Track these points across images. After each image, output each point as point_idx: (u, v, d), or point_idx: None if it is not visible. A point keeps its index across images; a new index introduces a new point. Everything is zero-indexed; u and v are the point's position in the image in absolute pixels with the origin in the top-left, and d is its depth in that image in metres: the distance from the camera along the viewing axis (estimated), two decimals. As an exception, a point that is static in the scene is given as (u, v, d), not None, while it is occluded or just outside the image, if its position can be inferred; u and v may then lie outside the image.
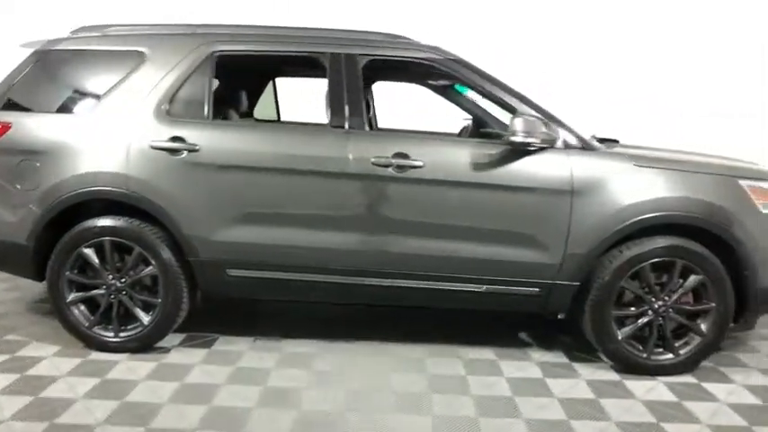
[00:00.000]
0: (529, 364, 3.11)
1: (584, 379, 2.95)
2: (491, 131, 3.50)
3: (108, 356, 3.02)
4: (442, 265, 2.92)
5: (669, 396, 2.79)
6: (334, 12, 5.52)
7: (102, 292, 3.02)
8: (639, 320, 2.96)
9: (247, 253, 2.94)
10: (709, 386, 2.90)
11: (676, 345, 2.98)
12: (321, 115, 3.46)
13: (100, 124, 2.96)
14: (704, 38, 5.14)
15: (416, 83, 4.05)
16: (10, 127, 3.00)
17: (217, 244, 2.94)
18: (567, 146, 2.92)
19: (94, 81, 3.10)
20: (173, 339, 3.24)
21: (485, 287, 2.95)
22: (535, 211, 2.88)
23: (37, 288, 3.98)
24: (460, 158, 2.89)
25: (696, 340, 2.98)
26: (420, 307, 3.64)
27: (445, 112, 4.01)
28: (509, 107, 2.98)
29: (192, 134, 2.90)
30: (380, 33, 3.13)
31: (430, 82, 3.96)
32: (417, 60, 3.02)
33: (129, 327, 3.06)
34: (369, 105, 4.09)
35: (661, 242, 2.88)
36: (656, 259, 2.89)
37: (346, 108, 2.93)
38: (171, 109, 2.96)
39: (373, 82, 4.36)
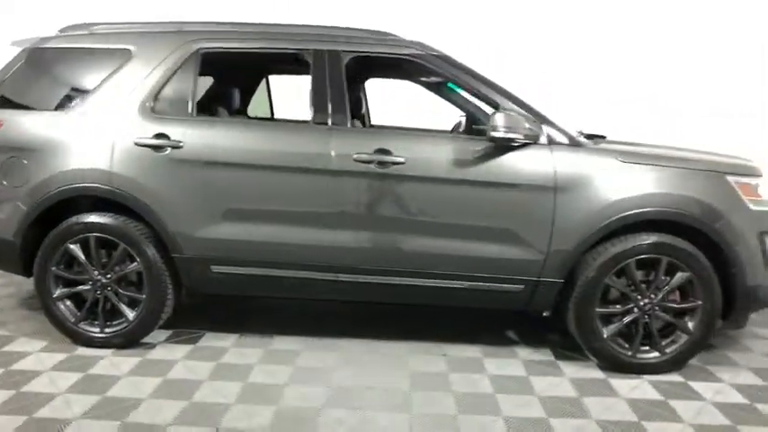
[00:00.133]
0: (514, 361, 3.09)
1: (568, 377, 2.92)
2: (484, 128, 3.48)
3: (93, 352, 3.04)
4: (425, 262, 2.91)
5: (654, 395, 2.76)
6: (334, 11, 5.51)
7: (87, 287, 3.04)
8: (625, 318, 2.93)
9: (231, 249, 2.95)
10: (695, 385, 2.86)
11: (663, 343, 2.94)
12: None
13: (86, 121, 2.99)
14: (704, 38, 5.08)
15: (408, 80, 4.03)
16: (1, 124, 3.04)
17: (200, 240, 2.95)
18: (550, 142, 2.89)
19: (82, 79, 3.13)
20: (159, 336, 3.26)
21: (467, 284, 2.93)
22: (518, 208, 2.86)
23: (31, 284, 3.99)
24: (443, 154, 2.88)
25: (683, 338, 2.94)
26: (405, 304, 3.62)
27: (445, 110, 4.01)
28: (493, 103, 2.96)
29: (176, 131, 2.92)
30: (364, 30, 3.12)
31: (421, 79, 3.94)
32: (400, 56, 3.01)
33: (114, 322, 3.08)
34: (361, 102, 4.11)
35: (646, 239, 2.85)
36: (642, 256, 2.85)
37: (329, 105, 2.93)
38: (156, 106, 2.98)
39: (366, 79, 4.37)
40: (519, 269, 2.90)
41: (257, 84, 4.29)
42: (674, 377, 2.94)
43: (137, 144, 2.91)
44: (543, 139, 2.88)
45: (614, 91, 5.29)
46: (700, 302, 2.89)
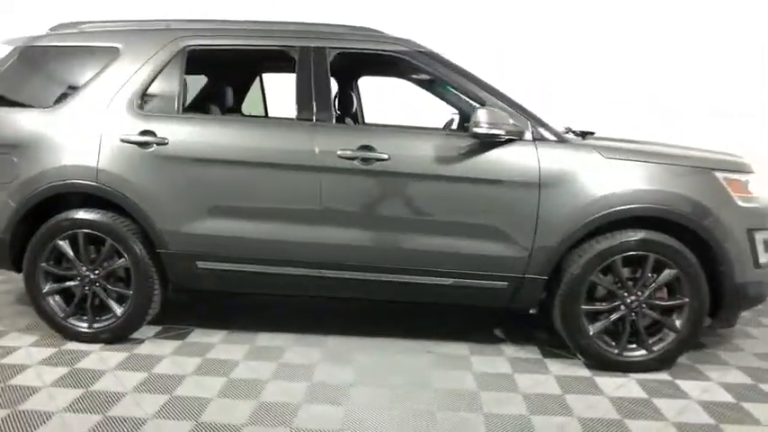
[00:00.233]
0: (500, 359, 3.07)
1: (553, 375, 2.91)
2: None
3: (82, 347, 3.08)
4: (409, 258, 2.91)
5: (639, 393, 2.73)
6: (334, 11, 5.53)
7: (76, 283, 3.07)
8: (612, 316, 2.90)
9: (215, 246, 2.97)
10: (682, 383, 2.83)
11: (650, 341, 2.91)
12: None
13: (75, 118, 3.02)
14: (704, 38, 5.02)
15: (401, 78, 4.03)
16: None
17: (186, 236, 2.97)
18: (535, 138, 2.87)
19: (71, 76, 3.16)
20: (148, 331, 3.29)
21: (452, 280, 2.92)
22: (502, 204, 2.84)
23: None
24: (427, 151, 2.87)
25: (670, 336, 2.91)
26: (391, 301, 3.62)
27: (442, 108, 4.00)
28: (479, 99, 2.95)
29: (162, 128, 2.94)
30: (350, 26, 3.13)
31: (413, 76, 3.94)
32: (386, 53, 3.01)
33: (102, 318, 3.11)
34: (351, 100, 4.11)
35: (633, 236, 2.82)
36: (628, 253, 2.83)
37: (314, 101, 2.94)
38: (142, 103, 3.01)
39: (358, 77, 4.38)
40: (503, 266, 2.88)
41: (250, 82, 4.31)
42: (662, 375, 2.91)
43: (123, 141, 2.94)
44: (528, 136, 2.87)
45: (615, 91, 5.26)
46: (687, 300, 2.86)
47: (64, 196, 3.08)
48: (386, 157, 2.85)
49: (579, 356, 3.01)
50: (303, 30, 3.06)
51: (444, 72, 3.00)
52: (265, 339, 3.25)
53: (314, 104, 2.93)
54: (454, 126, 3.90)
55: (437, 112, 4.13)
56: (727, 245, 2.82)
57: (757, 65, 5.00)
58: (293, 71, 3.02)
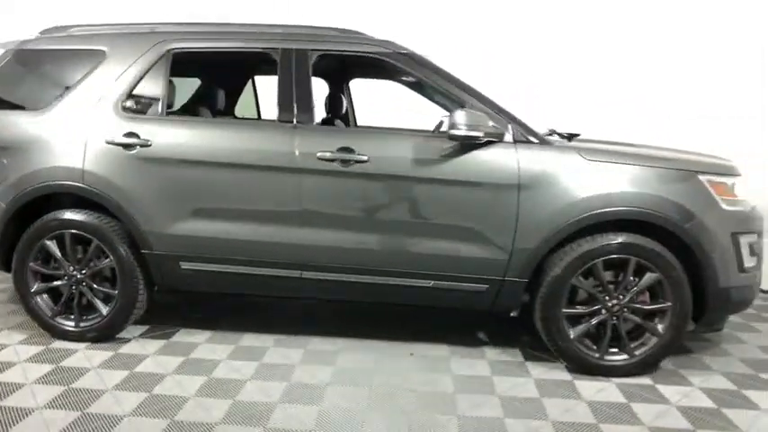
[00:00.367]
0: (481, 362, 3.07)
1: (533, 378, 2.89)
2: None
3: (69, 345, 3.13)
4: (388, 260, 2.92)
5: (618, 397, 2.71)
6: (334, 11, 5.55)
7: (63, 282, 3.13)
8: (593, 320, 2.88)
9: (198, 246, 3.00)
10: (663, 388, 2.80)
11: (632, 345, 2.89)
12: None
13: (62, 120, 3.07)
14: (703, 40, 4.93)
15: (390, 80, 4.03)
16: None
17: (169, 237, 3.00)
18: (516, 140, 2.87)
19: (60, 79, 3.21)
20: (135, 331, 3.34)
21: (432, 282, 2.92)
22: (480, 206, 2.84)
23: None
24: (406, 152, 2.88)
25: (652, 341, 2.88)
26: (371, 303, 3.62)
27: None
28: (459, 101, 2.95)
29: (146, 130, 2.98)
30: (332, 28, 3.14)
31: (402, 79, 3.94)
32: (367, 55, 3.02)
33: (89, 317, 3.16)
34: (341, 102, 4.13)
35: (614, 239, 2.80)
36: (609, 256, 2.81)
37: (295, 103, 2.96)
38: (127, 105, 3.05)
39: (348, 80, 4.40)
40: (482, 268, 2.88)
41: (240, 84, 4.34)
42: (643, 380, 2.88)
43: (108, 143, 2.99)
44: (508, 138, 2.86)
45: (604, 93, 5.17)
46: (669, 304, 2.83)
47: (55, 197, 3.14)
48: (365, 158, 2.86)
49: (560, 360, 2.99)
50: (285, 32, 3.09)
51: (425, 74, 3.01)
52: (250, 340, 3.28)
53: (295, 106, 2.95)
54: (444, 128, 3.89)
55: (432, 114, 4.15)
56: (710, 249, 2.78)
57: (746, 67, 4.89)
58: (276, 73, 3.04)
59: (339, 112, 4.08)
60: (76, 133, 3.03)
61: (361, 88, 4.68)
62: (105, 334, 3.16)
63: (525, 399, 2.67)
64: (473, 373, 2.93)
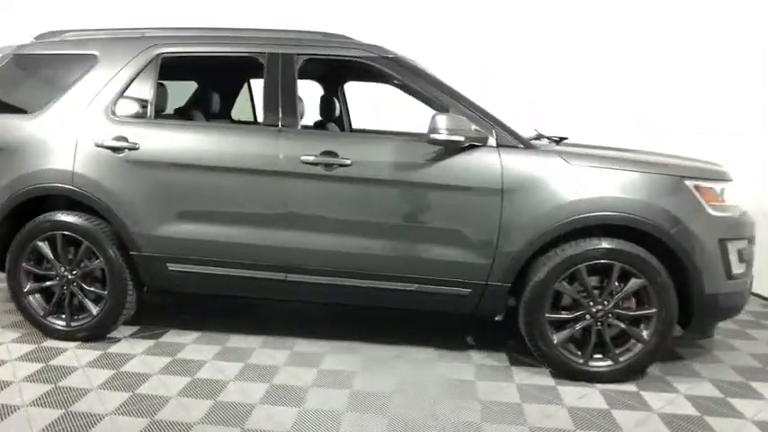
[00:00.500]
0: (466, 365, 3.06)
1: (516, 383, 2.88)
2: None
3: (59, 344, 3.18)
4: (372, 263, 2.93)
5: (600, 404, 2.69)
6: (334, 12, 5.58)
7: (55, 282, 3.19)
8: (577, 325, 2.86)
9: (185, 248, 3.04)
10: (647, 395, 2.78)
11: (617, 351, 2.86)
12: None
13: (53, 124, 3.13)
14: (703, 57, 4.85)
15: (384, 83, 4.04)
16: None
17: (157, 239, 3.05)
18: (500, 144, 2.86)
19: (53, 83, 3.27)
20: (126, 331, 3.39)
21: (416, 286, 2.93)
22: (463, 210, 2.84)
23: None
24: (390, 156, 2.89)
25: (637, 347, 2.85)
26: (356, 306, 3.63)
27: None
28: (443, 105, 2.95)
29: (134, 133, 3.03)
30: (317, 32, 3.16)
31: (395, 82, 3.95)
32: (352, 59, 3.04)
33: (80, 317, 3.21)
34: (334, 105, 4.15)
35: (598, 244, 2.78)
36: (593, 262, 2.79)
37: (280, 107, 2.98)
38: (116, 109, 3.10)
39: (343, 83, 4.42)
40: (465, 272, 2.87)
41: (235, 87, 4.39)
42: (628, 387, 2.86)
43: (97, 145, 3.04)
44: (492, 142, 2.86)
45: (611, 110, 5.12)
46: (654, 310, 2.80)
47: (50, 198, 3.20)
48: (348, 162, 2.87)
49: (544, 365, 2.98)
50: (271, 37, 3.11)
51: (410, 78, 3.02)
52: (237, 341, 3.31)
53: (280, 110, 2.98)
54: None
55: (427, 117, 4.15)
56: (696, 255, 2.75)
57: (746, 83, 4.79)
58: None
59: (332, 116, 4.10)
60: (68, 136, 3.09)
61: (358, 92, 4.72)
62: (95, 333, 3.21)
63: (505, 404, 2.66)
64: (457, 376, 2.93)
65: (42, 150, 3.10)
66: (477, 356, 3.19)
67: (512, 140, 2.88)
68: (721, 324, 3.53)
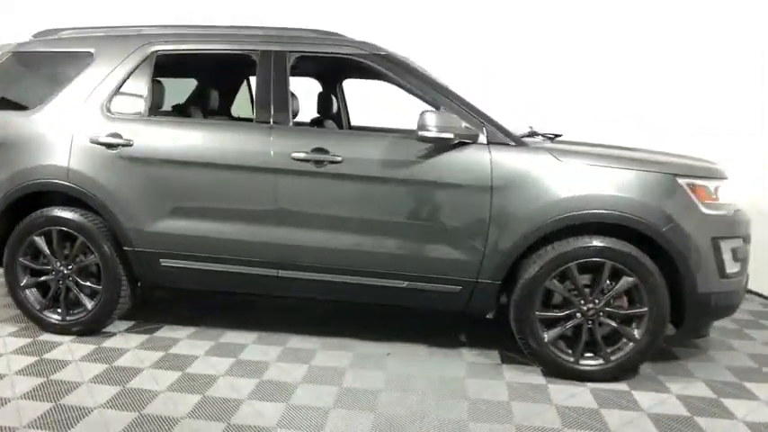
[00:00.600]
0: (457, 362, 3.06)
1: (506, 381, 2.87)
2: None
3: (54, 338, 3.22)
4: (362, 260, 2.93)
5: (589, 403, 2.67)
6: (334, 12, 5.59)
7: (51, 277, 3.22)
8: (567, 323, 2.85)
9: (177, 244, 3.06)
10: (638, 394, 2.75)
11: (608, 350, 2.84)
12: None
13: (50, 120, 3.17)
14: (703, 57, 4.78)
15: (381, 80, 4.03)
16: None
17: (150, 235, 3.07)
18: (490, 141, 2.85)
19: (51, 80, 3.31)
20: (121, 326, 3.42)
21: (406, 283, 2.92)
22: (453, 207, 2.83)
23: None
24: (381, 154, 2.89)
25: (629, 346, 2.83)
26: (347, 302, 3.63)
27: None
28: (434, 103, 2.94)
29: (128, 130, 3.06)
30: (310, 30, 3.17)
31: (387, 78, 3.93)
32: (344, 56, 3.04)
33: (75, 311, 3.25)
34: (331, 103, 4.15)
35: (588, 242, 2.76)
36: (583, 260, 2.77)
37: (272, 104, 2.99)
38: (111, 105, 3.13)
39: (342, 80, 4.43)
40: (455, 270, 2.87)
41: (234, 85, 4.41)
42: (620, 386, 2.83)
43: (92, 142, 3.07)
44: (482, 139, 2.84)
45: (611, 111, 5.06)
46: (646, 309, 2.77)
47: (48, 194, 3.24)
48: (339, 159, 2.88)
49: (536, 363, 2.96)
50: (264, 34, 3.12)
51: (401, 75, 3.01)
52: (231, 336, 3.33)
53: (272, 107, 2.99)
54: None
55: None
56: (688, 253, 2.72)
57: (747, 84, 4.71)
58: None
59: (330, 113, 4.11)
60: (64, 132, 3.12)
61: (358, 89, 4.73)
62: (90, 328, 3.25)
63: (494, 402, 2.65)
64: (447, 374, 2.92)
65: (39, 146, 3.14)
66: (468, 354, 3.18)
67: (502, 137, 2.87)
68: (720, 323, 3.51)
